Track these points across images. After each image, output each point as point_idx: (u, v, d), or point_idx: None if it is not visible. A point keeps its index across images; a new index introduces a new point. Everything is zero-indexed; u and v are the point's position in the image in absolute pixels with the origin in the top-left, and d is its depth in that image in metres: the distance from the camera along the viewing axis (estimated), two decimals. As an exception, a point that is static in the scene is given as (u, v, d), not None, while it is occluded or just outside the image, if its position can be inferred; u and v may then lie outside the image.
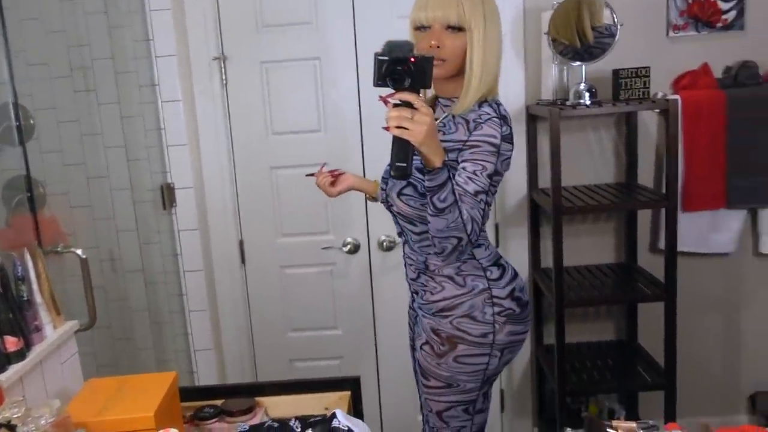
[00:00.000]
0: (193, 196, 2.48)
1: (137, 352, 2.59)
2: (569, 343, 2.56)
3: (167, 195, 2.49)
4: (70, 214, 2.38)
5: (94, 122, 2.46)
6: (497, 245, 2.54)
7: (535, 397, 2.65)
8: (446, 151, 1.44)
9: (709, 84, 2.38)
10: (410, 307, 1.77)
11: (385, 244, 2.52)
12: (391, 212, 1.66)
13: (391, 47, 1.25)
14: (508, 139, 1.50)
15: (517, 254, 2.53)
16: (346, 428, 1.02)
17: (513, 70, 2.41)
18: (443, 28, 1.47)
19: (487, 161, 1.43)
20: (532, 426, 2.67)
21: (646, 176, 2.47)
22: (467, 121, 1.50)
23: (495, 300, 1.56)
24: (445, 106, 1.58)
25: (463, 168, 1.42)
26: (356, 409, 1.67)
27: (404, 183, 1.56)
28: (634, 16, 2.34)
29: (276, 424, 1.07)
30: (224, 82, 2.48)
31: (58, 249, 1.71)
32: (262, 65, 2.46)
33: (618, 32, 2.10)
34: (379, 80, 1.24)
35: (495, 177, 1.46)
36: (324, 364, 2.62)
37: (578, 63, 2.15)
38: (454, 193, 1.33)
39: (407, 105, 1.23)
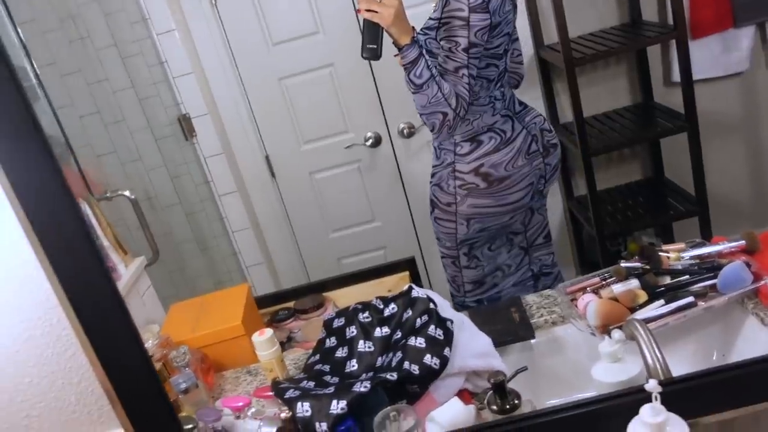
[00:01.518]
0: (210, 122, 2.52)
1: (193, 279, 2.72)
2: (600, 190, 2.64)
3: (186, 126, 2.53)
4: (97, 163, 2.44)
5: (96, 69, 2.47)
6: (514, 110, 2.57)
7: (574, 247, 2.77)
8: (428, 27, 1.50)
9: None
10: None
11: (405, 131, 2.57)
12: None
13: None
14: (478, 8, 1.49)
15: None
16: (425, 296, 1.11)
17: (500, -72, 2.34)
18: None
19: (459, 36, 1.47)
20: (575, 274, 2.81)
21: (650, 11, 2.45)
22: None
23: (457, 174, 1.67)
24: None
25: (441, 47, 1.46)
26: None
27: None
28: None
29: (360, 306, 1.17)
30: (213, 1, 2.45)
31: (107, 195, 1.79)
32: (248, -24, 2.42)
33: None
34: None
35: (472, 50, 1.49)
36: (369, 256, 2.74)
37: None
38: (429, 69, 1.40)
39: None
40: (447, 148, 1.68)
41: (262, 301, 1.76)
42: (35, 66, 1.89)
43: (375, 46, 1.34)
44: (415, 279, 1.78)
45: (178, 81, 2.48)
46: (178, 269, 2.70)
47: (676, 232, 2.65)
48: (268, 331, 1.25)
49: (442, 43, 1.47)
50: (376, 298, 1.17)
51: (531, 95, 2.54)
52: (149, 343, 1.26)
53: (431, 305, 1.10)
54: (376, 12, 1.31)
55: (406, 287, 1.17)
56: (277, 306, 1.76)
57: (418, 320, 1.08)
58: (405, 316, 1.10)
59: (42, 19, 2.33)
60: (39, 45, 2.27)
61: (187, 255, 2.70)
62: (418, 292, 1.13)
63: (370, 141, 2.59)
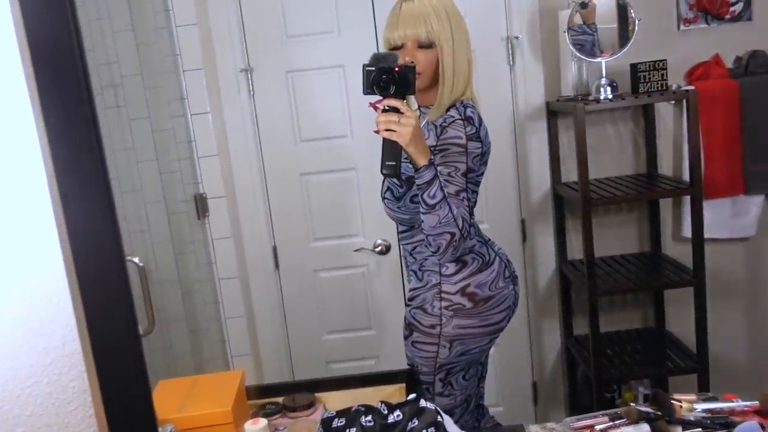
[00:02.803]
0: (225, 205, 2.54)
1: (176, 359, 2.64)
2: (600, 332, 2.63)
3: (200, 205, 2.54)
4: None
5: (125, 137, 2.52)
6: (524, 240, 2.61)
7: (567, 388, 2.72)
8: None
9: (722, 74, 2.46)
10: None
11: None
12: None
13: (377, 58, 1.41)
14: (474, 137, 1.57)
15: (543, 248, 2.60)
16: (434, 408, 1.08)
17: (531, 68, 2.48)
18: (414, 45, 1.59)
19: (458, 162, 1.55)
20: (564, 416, 2.73)
21: (665, 166, 2.55)
22: (435, 127, 1.62)
23: (444, 295, 1.67)
24: (423, 113, 1.69)
25: (439, 172, 1.52)
26: (411, 400, 1.73)
27: (386, 187, 1.70)
28: (646, 10, 2.41)
29: (363, 408, 1.12)
30: (251, 92, 2.54)
31: (116, 258, 1.77)
32: (288, 75, 2.53)
33: (636, 28, 2.18)
34: (368, 89, 1.39)
35: (470, 174, 1.57)
36: (360, 364, 2.68)
37: (598, 59, 2.22)
38: (442, 190, 1.45)
39: (394, 110, 1.37)
40: (431, 269, 1.69)
41: (248, 392, 1.69)
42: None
43: (394, 164, 1.39)
44: (413, 391, 1.72)
45: (202, 161, 2.52)
46: (162, 346, 2.62)
47: (672, 386, 2.61)
48: (263, 422, 1.19)
49: (440, 168, 1.53)
50: (381, 402, 1.13)
51: (542, 229, 2.59)
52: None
53: (439, 418, 1.06)
54: (395, 131, 1.37)
55: (412, 396, 1.13)
56: (265, 399, 1.68)
57: (425, 431, 1.04)
58: (410, 425, 1.06)
59: (84, 83, 2.41)
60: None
61: (175, 333, 2.63)
62: (425, 402, 1.09)
63: (380, 248, 2.60)
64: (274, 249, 2.65)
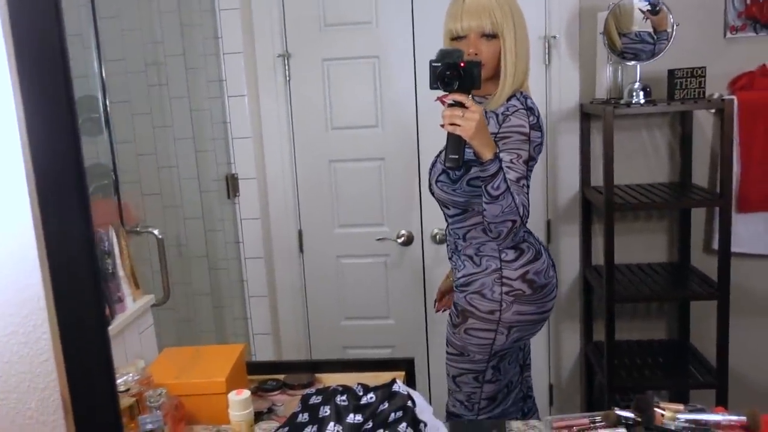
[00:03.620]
0: (255, 187, 2.61)
1: (199, 333, 2.73)
2: (620, 340, 2.59)
3: (231, 185, 2.62)
4: (141, 200, 2.53)
5: (165, 115, 2.61)
6: (548, 241, 2.59)
7: (584, 393, 2.68)
8: None
9: (767, 86, 2.37)
10: None
11: (438, 236, 2.60)
12: (434, 198, 1.79)
13: (443, 54, 1.43)
14: (536, 127, 1.62)
15: (568, 251, 2.57)
16: (406, 392, 1.10)
17: (568, 69, 2.45)
18: (478, 36, 1.61)
19: (521, 149, 1.57)
20: (579, 421, 2.70)
21: (700, 176, 2.48)
22: (497, 115, 1.64)
23: (505, 280, 1.68)
24: (479, 103, 1.68)
25: (501, 159, 1.52)
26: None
27: (440, 171, 1.71)
28: (692, 16, 2.35)
29: (341, 388, 1.15)
30: (287, 78, 2.59)
31: (138, 228, 1.85)
32: (324, 62, 2.57)
33: (674, 33, 2.13)
34: (434, 83, 1.42)
35: (530, 162, 1.61)
36: (375, 352, 2.71)
37: (633, 62, 2.18)
38: (506, 181, 1.47)
39: (459, 105, 1.40)
40: (490, 255, 1.70)
41: (256, 367, 1.74)
42: (107, 100, 2.02)
43: (456, 157, 1.42)
44: (410, 382, 1.74)
45: (236, 142, 2.59)
46: (186, 319, 2.71)
47: (693, 400, 2.55)
48: (246, 392, 1.23)
49: (501, 155, 1.54)
50: (358, 384, 1.16)
51: (569, 231, 2.56)
52: (129, 377, 1.26)
53: (409, 403, 1.08)
54: (459, 125, 1.39)
55: (390, 380, 1.16)
56: (267, 376, 1.74)
57: (393, 414, 1.06)
58: (381, 407, 1.08)
59: (131, 59, 2.51)
60: (120, 83, 2.42)
61: (199, 308, 2.72)
62: (399, 387, 1.11)
63: (402, 239, 2.62)
64: (300, 233, 2.71)
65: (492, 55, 1.63)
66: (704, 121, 2.46)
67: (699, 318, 2.54)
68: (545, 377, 2.70)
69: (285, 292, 2.73)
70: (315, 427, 1.11)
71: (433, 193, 1.77)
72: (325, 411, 1.11)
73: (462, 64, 1.39)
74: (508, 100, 1.65)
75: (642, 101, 2.16)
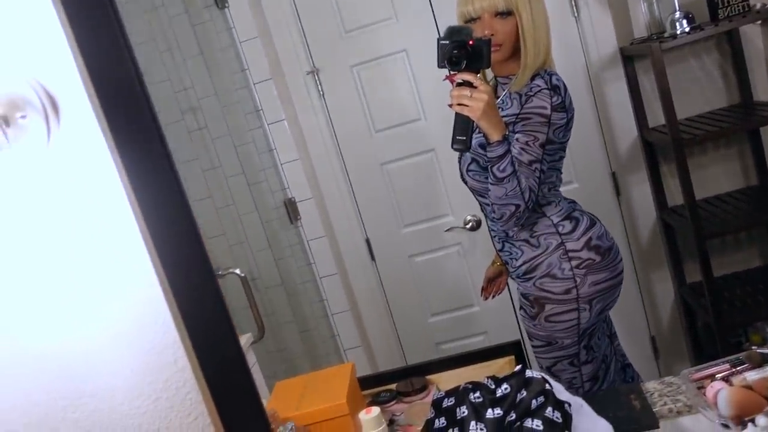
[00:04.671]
0: (314, 206, 2.61)
1: (292, 360, 2.75)
2: (716, 276, 2.50)
3: (291, 210, 2.62)
4: (208, 245, 2.55)
5: (212, 157, 2.64)
6: (618, 193, 2.52)
7: (689, 337, 2.60)
8: (506, 124, 1.54)
9: (812, -19, 2.26)
10: None
11: (472, 223, 2.57)
12: (468, 188, 1.74)
13: (451, 32, 1.40)
14: (560, 107, 1.54)
15: (640, 198, 2.50)
16: (540, 376, 1.07)
17: (599, 15, 2.38)
18: (492, 16, 1.55)
19: (538, 132, 1.51)
20: (691, 366, 2.62)
21: (762, 92, 2.38)
22: (520, 96, 1.58)
23: (571, 254, 1.61)
24: (503, 84, 1.66)
25: (516, 139, 1.51)
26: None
27: (470, 160, 1.65)
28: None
29: (470, 386, 1.13)
30: (321, 92, 2.59)
31: (219, 272, 1.86)
32: (353, 69, 2.55)
33: (706, -49, 2.04)
34: (441, 62, 1.39)
35: (548, 146, 1.54)
36: (469, 342, 2.68)
37: (669, -9, 2.10)
38: (512, 164, 1.45)
39: (468, 84, 1.37)
40: (547, 233, 1.63)
41: (362, 383, 1.73)
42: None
43: (464, 138, 1.39)
44: (521, 363, 1.71)
45: (285, 167, 2.60)
46: (277, 349, 2.73)
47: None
48: (375, 410, 1.22)
49: (518, 136, 1.51)
50: (487, 377, 1.13)
51: (637, 178, 2.49)
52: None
53: (547, 386, 1.05)
54: (467, 105, 1.37)
55: (518, 367, 1.13)
56: (378, 388, 1.72)
57: (534, 401, 1.03)
58: (519, 396, 1.05)
59: (166, 110, 2.54)
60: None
61: (287, 335, 2.74)
62: (532, 372, 1.08)
63: (470, 224, 2.59)
64: (368, 241, 2.70)
65: (509, 34, 1.56)
66: (753, 35, 2.36)
67: (793, 236, 2.44)
68: (645, 331, 2.63)
69: (366, 302, 2.73)
70: (456, 430, 1.09)
71: (465, 182, 1.72)
72: (463, 411, 1.09)
73: (470, 42, 1.36)
74: (533, 79, 1.58)
75: (687, 29, 2.09)
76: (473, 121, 1.39)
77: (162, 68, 2.58)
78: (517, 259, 1.68)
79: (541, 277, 1.63)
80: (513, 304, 2.64)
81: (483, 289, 2.03)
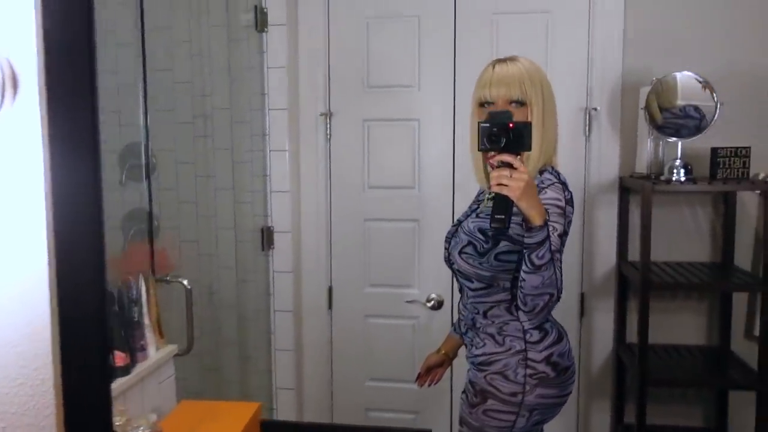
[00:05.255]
0: (289, 241, 2.63)
1: (223, 383, 2.72)
2: (653, 425, 2.48)
3: (266, 237, 2.65)
4: (178, 247, 2.58)
5: (208, 165, 2.68)
6: (582, 315, 2.52)
7: (612, 477, 2.56)
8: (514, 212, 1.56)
9: (816, 169, 2.30)
10: None
11: (435, 302, 2.57)
12: (452, 270, 1.75)
13: (492, 116, 1.43)
14: (570, 202, 1.60)
15: (602, 326, 2.50)
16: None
17: (608, 142, 2.44)
18: (506, 103, 1.60)
19: (557, 222, 1.54)
20: (607, 507, 2.57)
21: (743, 258, 2.40)
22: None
23: (529, 362, 1.62)
24: None
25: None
26: (427, 461, 1.70)
27: (465, 242, 1.66)
28: (740, 94, 2.33)
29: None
30: (328, 136, 2.64)
31: (168, 278, 1.87)
32: (365, 123, 2.61)
33: (717, 112, 2.10)
34: (482, 145, 1.40)
35: (563, 237, 1.57)
36: (398, 416, 2.65)
37: (674, 139, 2.15)
38: (551, 251, 1.42)
39: (508, 165, 1.38)
40: (514, 335, 1.65)
41: (273, 427, 1.73)
42: (150, 148, 2.10)
43: (503, 217, 1.38)
44: (427, 454, 1.70)
45: (274, 195, 2.64)
46: (212, 368, 2.71)
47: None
48: (253, 457, 1.22)
49: None
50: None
51: (603, 306, 2.50)
52: (139, 430, 1.26)
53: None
54: (506, 185, 1.37)
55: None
56: (283, 436, 1.72)
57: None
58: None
59: (180, 110, 2.60)
60: (168, 133, 2.50)
61: (226, 357, 2.72)
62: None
63: (432, 303, 2.59)
64: (330, 289, 2.71)
65: None
66: (749, 201, 2.39)
67: (738, 408, 2.41)
68: (574, 456, 2.59)
69: (311, 347, 2.72)
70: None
71: (451, 264, 1.72)
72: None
73: (511, 125, 1.39)
74: (541, 173, 1.63)
75: (683, 179, 2.13)
76: (512, 202, 1.39)
77: (189, 71, 2.65)
78: (477, 348, 1.70)
79: (493, 373, 1.65)
80: (452, 387, 2.62)
81: (419, 375, 2.01)
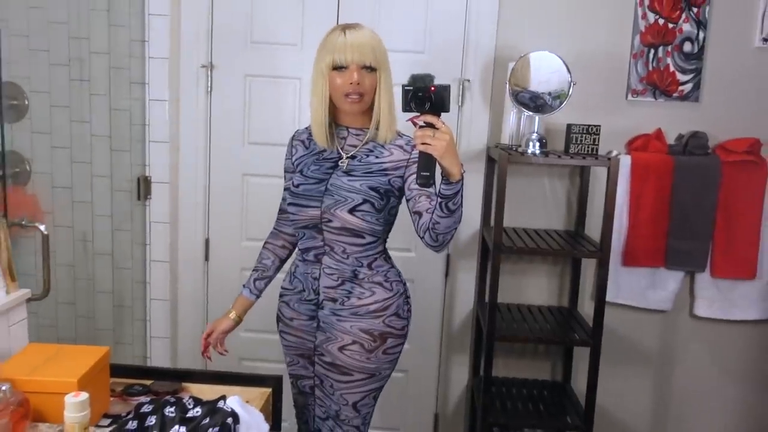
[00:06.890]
0: (167, 191, 2.64)
1: (97, 331, 2.72)
2: (505, 377, 2.70)
3: (144, 187, 2.64)
4: (51, 193, 2.53)
5: (83, 110, 2.63)
6: (447, 275, 2.68)
7: (467, 426, 2.77)
8: (393, 168, 1.74)
9: (660, 148, 2.53)
10: (310, 318, 1.90)
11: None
12: (323, 229, 1.78)
13: (414, 79, 1.52)
14: None
15: (465, 287, 2.67)
16: (230, 410, 1.15)
17: (479, 112, 2.57)
18: (359, 68, 1.70)
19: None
20: (460, 451, 2.79)
21: (594, 228, 2.61)
22: (400, 146, 1.77)
23: (408, 299, 1.88)
24: (357, 135, 1.81)
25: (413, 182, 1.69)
26: (275, 407, 1.79)
27: (360, 200, 1.74)
28: (598, 76, 2.50)
29: (173, 399, 1.20)
30: (209, 89, 2.64)
31: (23, 222, 1.86)
32: (246, 78, 2.63)
33: (571, 90, 2.25)
34: (406, 106, 1.50)
35: None
36: (271, 366, 2.75)
37: (532, 113, 2.30)
38: (462, 196, 1.59)
39: (430, 126, 1.49)
40: (396, 279, 1.84)
41: (124, 371, 1.76)
42: (26, 90, 2.05)
43: (428, 173, 1.52)
44: (276, 399, 1.79)
45: (152, 145, 2.62)
46: (87, 316, 2.71)
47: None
48: (84, 395, 1.26)
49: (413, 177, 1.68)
50: (190, 396, 1.20)
51: (466, 267, 2.66)
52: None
53: (229, 420, 1.13)
54: (430, 145, 1.49)
55: (219, 396, 1.21)
56: (135, 380, 1.76)
57: (210, 430, 1.11)
58: (203, 421, 1.13)
59: (54, 51, 2.52)
60: (42, 74, 2.43)
61: (100, 305, 2.71)
62: (225, 403, 1.16)
63: (306, 258, 2.67)
64: (207, 241, 2.74)
65: (372, 87, 1.73)
66: (601, 174, 2.59)
67: (579, 362, 2.66)
68: (432, 406, 2.78)
69: (187, 298, 2.76)
70: (140, 436, 1.15)
71: (332, 220, 1.75)
72: (151, 420, 1.15)
73: (432, 89, 1.47)
74: (401, 136, 1.78)
75: (537, 151, 2.28)
76: (435, 159, 1.50)
77: (65, 11, 2.56)
78: (361, 299, 1.80)
79: (390, 316, 1.82)
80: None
81: (206, 347, 2.06)
